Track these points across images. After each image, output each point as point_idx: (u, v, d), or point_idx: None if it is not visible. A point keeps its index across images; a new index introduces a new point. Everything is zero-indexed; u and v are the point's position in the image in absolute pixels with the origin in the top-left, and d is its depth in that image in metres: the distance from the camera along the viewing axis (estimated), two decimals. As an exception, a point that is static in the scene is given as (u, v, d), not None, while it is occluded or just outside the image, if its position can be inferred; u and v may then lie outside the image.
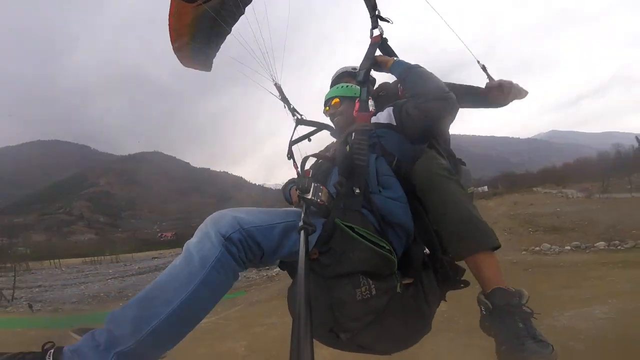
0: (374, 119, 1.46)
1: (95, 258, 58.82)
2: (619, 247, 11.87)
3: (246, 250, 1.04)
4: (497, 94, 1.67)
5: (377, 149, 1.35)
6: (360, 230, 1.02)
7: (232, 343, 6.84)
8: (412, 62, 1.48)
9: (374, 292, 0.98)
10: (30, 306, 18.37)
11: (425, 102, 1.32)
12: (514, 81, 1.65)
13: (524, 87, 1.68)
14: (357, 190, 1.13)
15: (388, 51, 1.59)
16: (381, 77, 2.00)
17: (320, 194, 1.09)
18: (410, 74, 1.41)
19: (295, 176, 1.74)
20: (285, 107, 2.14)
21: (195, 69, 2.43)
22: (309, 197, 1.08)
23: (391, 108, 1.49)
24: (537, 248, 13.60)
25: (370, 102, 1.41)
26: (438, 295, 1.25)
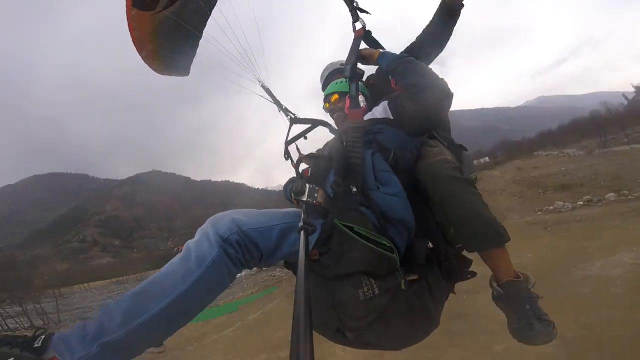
0: (369, 115, 1.47)
1: (121, 278, 60.06)
2: (629, 197, 12.17)
3: (244, 251, 1.05)
4: None
5: (373, 145, 1.33)
6: (360, 229, 1.00)
7: (283, 331, 7.40)
8: (397, 52, 1.48)
9: (376, 291, 0.97)
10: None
11: (419, 93, 1.28)
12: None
13: None
14: (355, 189, 1.12)
15: (373, 43, 1.57)
16: (369, 70, 1.96)
17: (316, 195, 1.09)
18: (398, 66, 1.37)
19: (295, 175, 1.69)
20: (277, 107, 2.09)
21: (172, 75, 2.36)
22: (305, 199, 1.08)
23: (386, 102, 1.46)
24: (551, 207, 14.04)
25: (361, 98, 1.41)
26: (445, 288, 1.23)
